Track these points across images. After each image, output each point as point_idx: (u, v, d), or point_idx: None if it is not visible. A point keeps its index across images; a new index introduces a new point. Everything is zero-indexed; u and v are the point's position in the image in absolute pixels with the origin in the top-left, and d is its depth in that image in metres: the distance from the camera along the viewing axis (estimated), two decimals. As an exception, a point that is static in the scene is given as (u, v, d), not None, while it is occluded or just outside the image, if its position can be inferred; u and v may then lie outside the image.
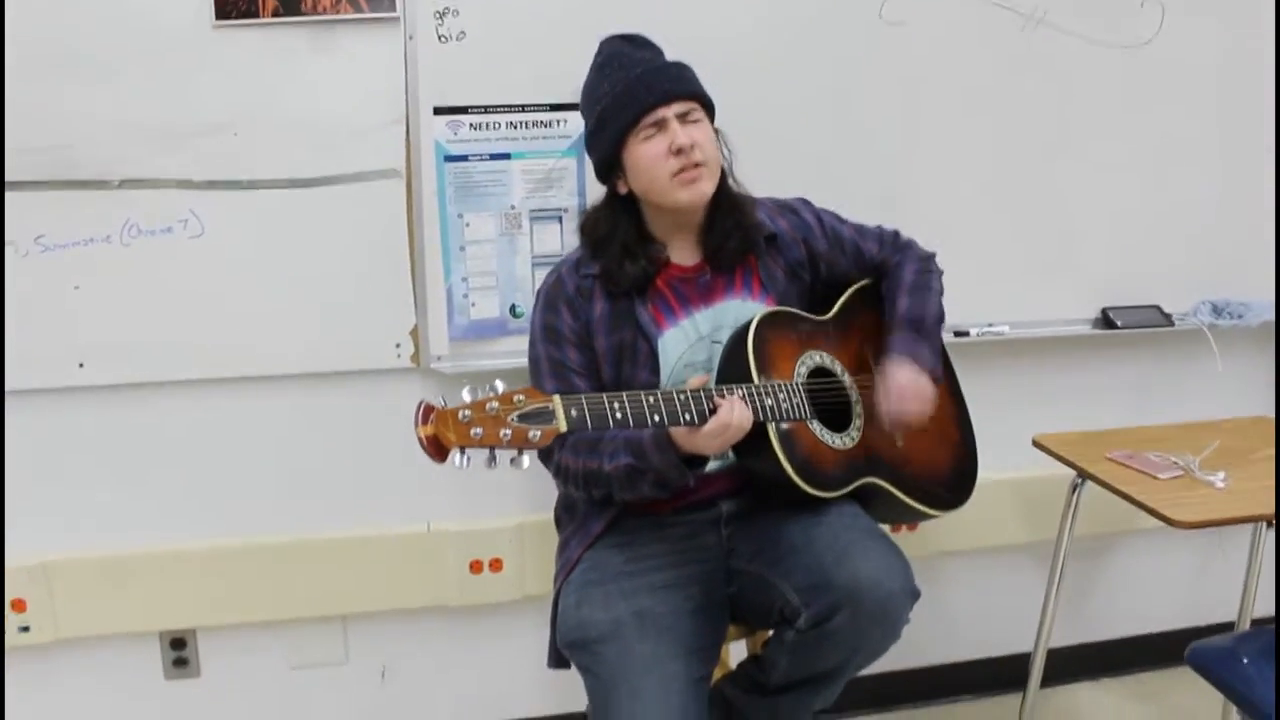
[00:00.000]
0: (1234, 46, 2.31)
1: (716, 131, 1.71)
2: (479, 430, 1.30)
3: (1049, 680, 2.61)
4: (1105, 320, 2.38)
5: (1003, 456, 2.25)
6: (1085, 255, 2.36)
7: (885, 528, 1.67)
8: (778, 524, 1.62)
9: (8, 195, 1.93)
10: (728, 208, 1.71)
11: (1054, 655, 2.59)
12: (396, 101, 2.01)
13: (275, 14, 1.93)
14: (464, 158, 2.05)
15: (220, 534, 2.15)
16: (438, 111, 2.03)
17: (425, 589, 2.24)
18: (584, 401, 1.38)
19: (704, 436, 1.47)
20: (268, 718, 2.28)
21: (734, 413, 1.47)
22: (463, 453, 1.31)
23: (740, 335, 1.62)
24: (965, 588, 2.56)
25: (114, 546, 2.11)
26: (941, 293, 1.84)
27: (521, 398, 1.33)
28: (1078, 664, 2.66)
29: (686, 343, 1.69)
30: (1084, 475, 2.08)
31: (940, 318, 1.81)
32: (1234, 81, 2.32)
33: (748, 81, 2.08)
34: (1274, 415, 2.40)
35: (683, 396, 1.46)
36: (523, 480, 2.16)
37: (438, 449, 1.30)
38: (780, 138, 2.12)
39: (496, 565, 2.23)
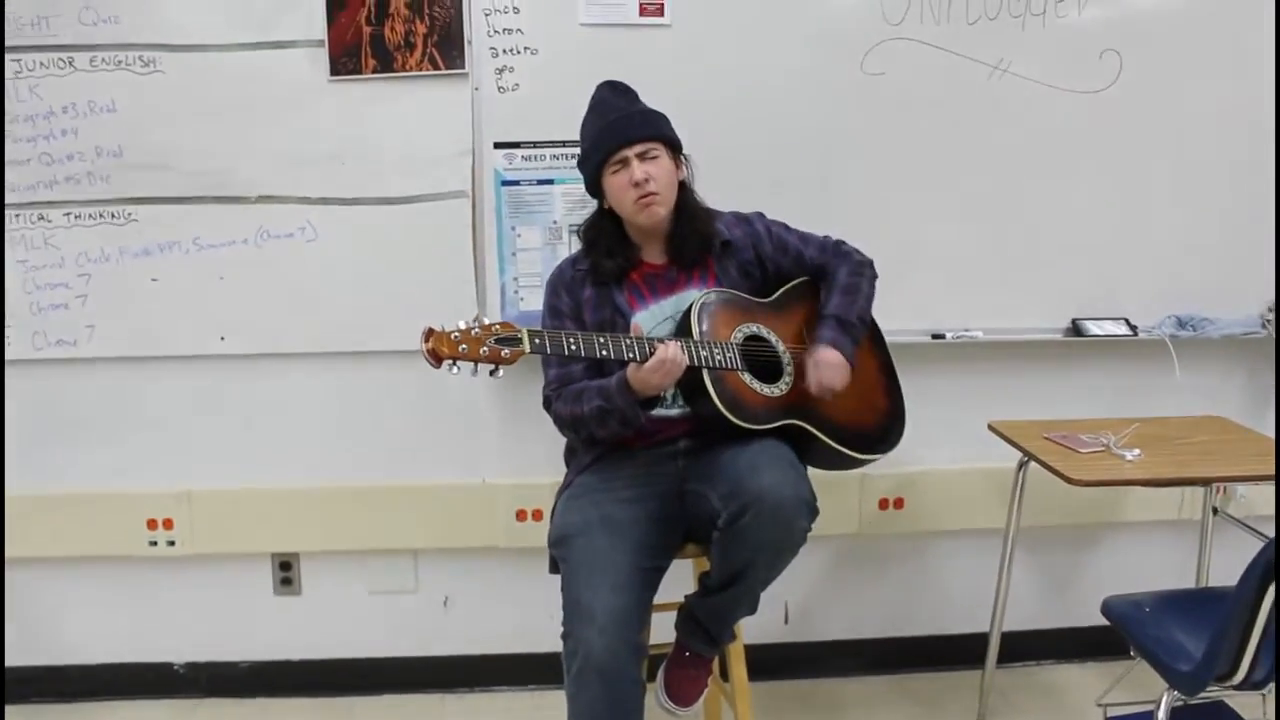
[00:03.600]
0: (1188, 88, 2.63)
1: (685, 158, 2.19)
2: (465, 347, 1.81)
3: (1033, 657, 2.93)
4: (1075, 329, 2.72)
5: (982, 448, 2.62)
6: (1056, 273, 2.70)
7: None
8: (718, 454, 2.05)
9: (177, 206, 2.57)
10: (688, 219, 2.18)
11: (1039, 636, 2.92)
12: (464, 138, 2.56)
13: (374, 71, 2.52)
14: (517, 182, 2.59)
15: (321, 477, 2.71)
16: (497, 145, 2.57)
17: (480, 532, 2.74)
18: (545, 333, 1.89)
19: (646, 371, 1.94)
20: (353, 633, 2.82)
21: (669, 352, 1.93)
22: (453, 363, 1.82)
23: (688, 307, 2.09)
24: (952, 566, 2.90)
25: (240, 482, 2.70)
26: (871, 293, 2.24)
27: (498, 327, 1.85)
28: (1064, 646, 2.94)
29: (654, 322, 2.15)
30: (1023, 452, 2.43)
31: (865, 313, 2.21)
32: (1189, 120, 2.65)
33: (746, 124, 2.57)
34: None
35: (628, 340, 1.94)
36: (560, 447, 2.67)
37: (435, 358, 1.82)
38: (773, 171, 2.58)
39: (538, 515, 2.71)
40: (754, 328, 2.14)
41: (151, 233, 2.58)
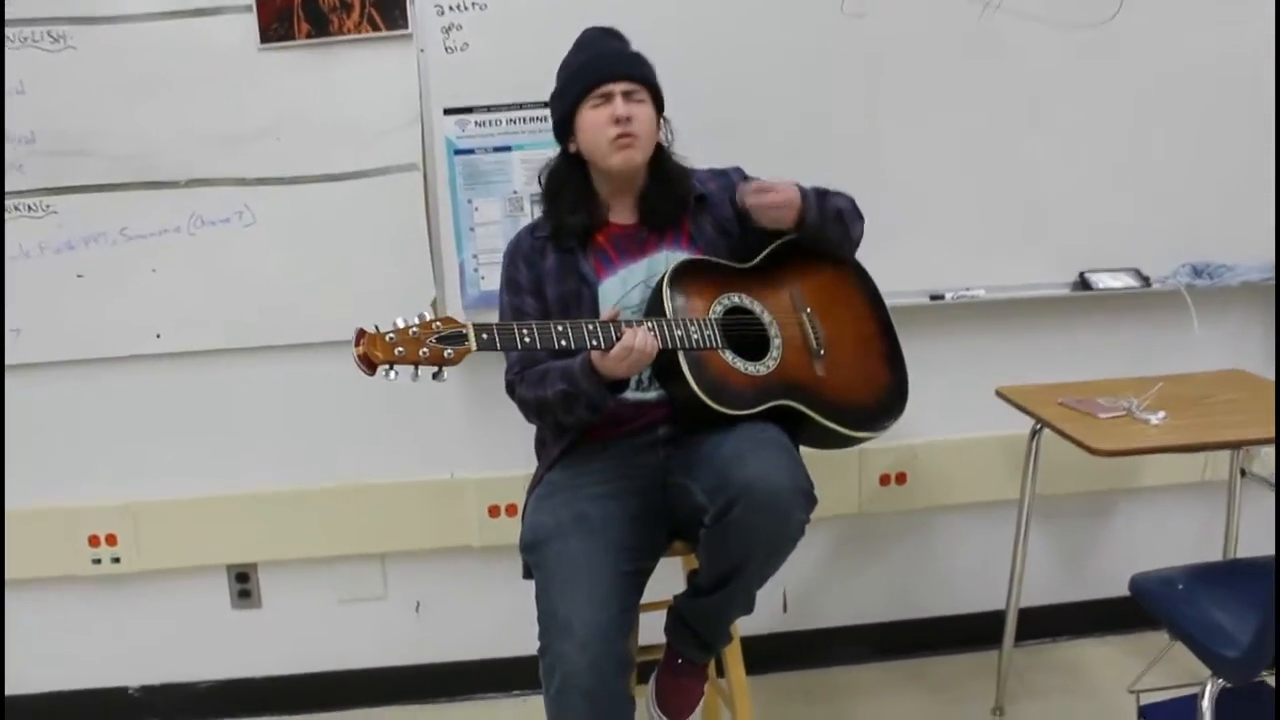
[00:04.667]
0: (1196, 16, 2.42)
1: (665, 120, 1.98)
2: (401, 349, 1.60)
3: (1049, 634, 2.75)
4: (1083, 283, 2.52)
5: (987, 415, 2.42)
6: (1061, 223, 2.50)
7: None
8: (701, 442, 1.83)
9: (99, 194, 2.34)
10: (664, 179, 1.97)
11: (1055, 611, 2.74)
12: (412, 105, 2.34)
13: (308, 36, 2.30)
14: (471, 151, 2.37)
15: (276, 481, 2.51)
16: (447, 112, 2.35)
17: (450, 531, 2.55)
18: (494, 327, 1.67)
19: (611, 360, 1.73)
20: (320, 645, 2.62)
21: (636, 339, 1.72)
22: (390, 368, 1.60)
23: (659, 279, 1.87)
24: (961, 542, 2.71)
25: (187, 491, 2.50)
26: (851, 216, 2.02)
27: (439, 324, 1.63)
28: (1083, 620, 2.76)
29: (624, 289, 1.94)
30: (1037, 420, 2.23)
31: (839, 214, 1.99)
32: (1197, 51, 2.43)
33: (720, 75, 2.36)
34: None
35: (590, 326, 1.73)
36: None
37: (368, 364, 1.60)
38: (752, 126, 2.36)
39: (512, 510, 2.51)
40: (735, 298, 1.93)
41: (73, 225, 2.35)
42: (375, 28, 2.31)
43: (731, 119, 2.35)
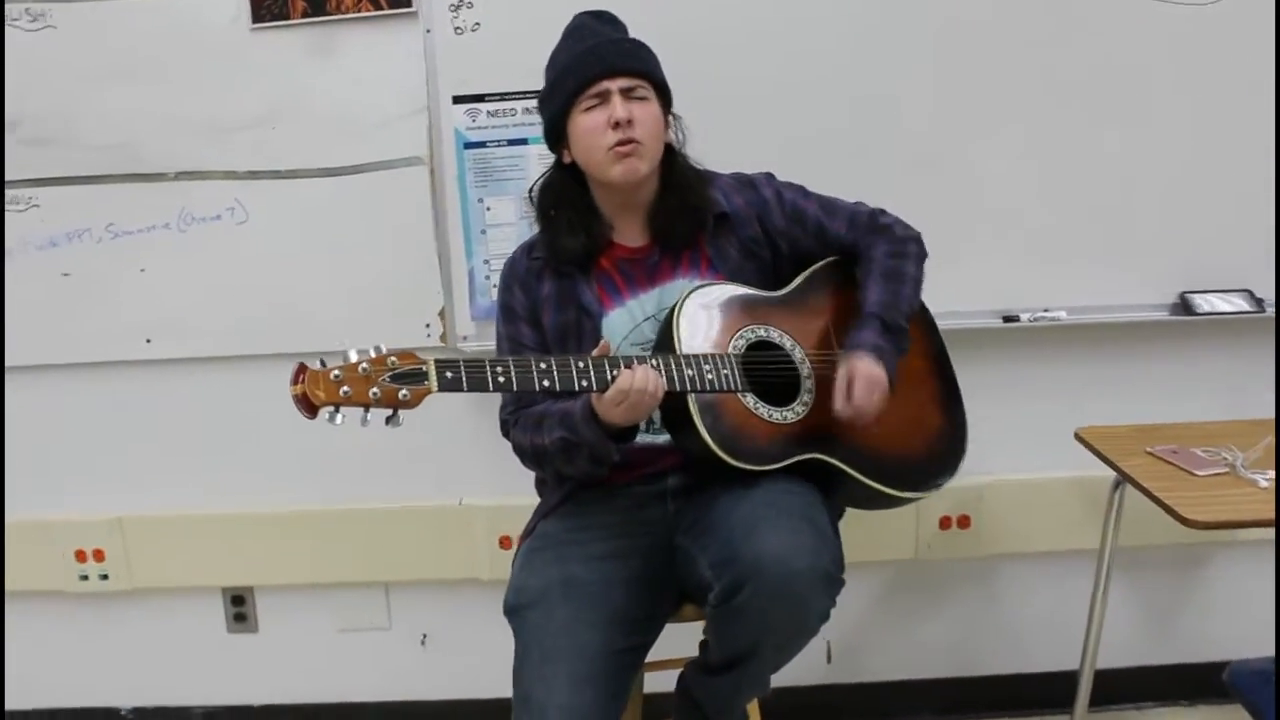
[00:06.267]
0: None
1: (675, 117, 1.71)
2: (348, 389, 1.36)
3: (1127, 700, 2.45)
4: (1184, 306, 2.18)
5: (1065, 454, 2.10)
6: (1157, 233, 2.17)
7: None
8: (714, 499, 1.57)
9: (83, 187, 2.16)
10: (677, 189, 1.69)
11: (1140, 674, 2.44)
12: (417, 92, 2.11)
13: (304, 15, 2.07)
14: (483, 144, 2.12)
15: (273, 499, 2.32)
16: (456, 100, 2.11)
17: (458, 562, 2.33)
18: (461, 364, 1.42)
19: (606, 404, 1.47)
20: (320, 675, 2.44)
21: (635, 380, 1.46)
22: (336, 410, 1.36)
23: (670, 308, 1.61)
24: (1031, 595, 2.40)
25: (179, 506, 2.32)
26: (920, 278, 1.74)
27: (395, 360, 1.39)
28: (1168, 686, 2.44)
29: (632, 323, 1.68)
30: (1123, 475, 1.91)
31: (913, 305, 1.72)
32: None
33: (757, 68, 2.10)
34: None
35: (581, 364, 1.47)
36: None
37: (307, 407, 1.37)
38: (789, 124, 2.10)
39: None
40: (761, 331, 1.65)
41: (57, 220, 2.18)
42: (377, 6, 2.07)
43: (763, 118, 2.09)
